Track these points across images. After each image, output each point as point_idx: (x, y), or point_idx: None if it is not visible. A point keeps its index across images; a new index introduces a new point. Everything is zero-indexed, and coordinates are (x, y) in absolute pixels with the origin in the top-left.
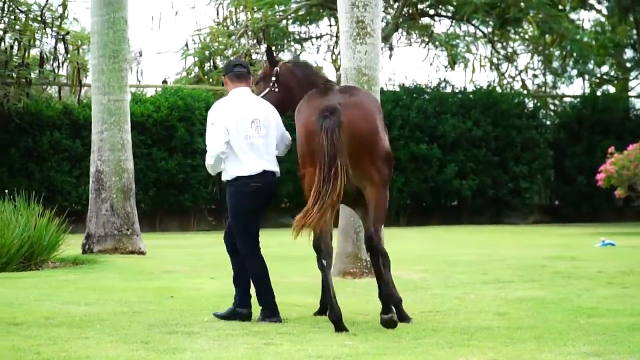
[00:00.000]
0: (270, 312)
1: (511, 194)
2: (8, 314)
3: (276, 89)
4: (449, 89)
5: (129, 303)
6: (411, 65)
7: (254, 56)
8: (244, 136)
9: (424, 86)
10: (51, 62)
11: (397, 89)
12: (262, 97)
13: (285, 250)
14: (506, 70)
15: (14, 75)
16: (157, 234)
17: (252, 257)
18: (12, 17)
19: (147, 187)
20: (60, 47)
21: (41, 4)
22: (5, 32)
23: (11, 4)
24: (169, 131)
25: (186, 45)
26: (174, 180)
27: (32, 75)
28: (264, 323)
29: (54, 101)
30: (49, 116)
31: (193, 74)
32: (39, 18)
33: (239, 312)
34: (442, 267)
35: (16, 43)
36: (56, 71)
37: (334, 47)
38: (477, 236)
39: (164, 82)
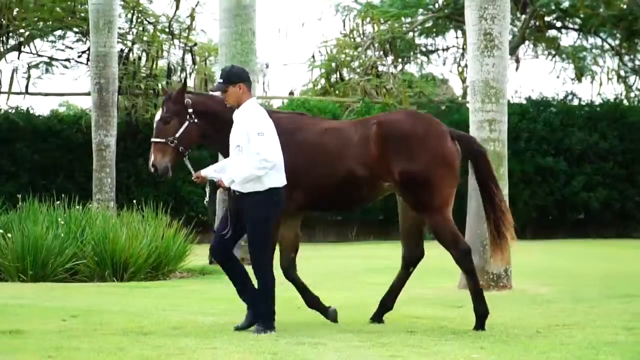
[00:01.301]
0: (271, 324)
1: (638, 207)
2: (137, 324)
3: (195, 121)
4: (575, 102)
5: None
6: (538, 77)
7: (380, 68)
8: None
9: (550, 99)
10: (179, 73)
11: (524, 102)
12: (182, 132)
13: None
14: (634, 83)
15: (142, 86)
16: None
17: (269, 269)
18: (141, 28)
19: None
20: (188, 58)
21: (169, 15)
22: (133, 43)
23: (140, 15)
24: None
25: (313, 56)
26: None
27: (160, 86)
28: (264, 335)
29: None
30: None
31: (320, 86)
32: (167, 30)
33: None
34: (568, 281)
35: (144, 54)
36: (184, 82)
37: (460, 60)
38: (603, 250)
39: (291, 93)
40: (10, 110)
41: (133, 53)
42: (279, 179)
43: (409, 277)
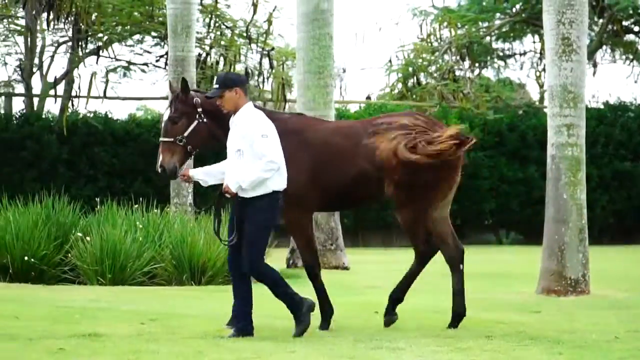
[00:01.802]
0: (306, 317)
1: None
2: (214, 327)
3: (204, 120)
4: None
5: (334, 318)
6: (615, 82)
7: (457, 72)
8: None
9: (628, 103)
10: (256, 77)
11: (601, 106)
12: (191, 131)
13: (488, 267)
14: None
15: None
16: (360, 250)
17: (267, 269)
18: (218, 33)
19: None
20: (265, 62)
21: (247, 20)
22: (211, 47)
23: (217, 20)
24: None
25: (390, 61)
26: None
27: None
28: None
29: None
30: None
31: (396, 90)
32: (245, 34)
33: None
34: None
35: (222, 58)
36: (261, 86)
37: (537, 64)
38: None
39: (368, 98)
40: (88, 115)
41: (211, 57)
42: (281, 182)
43: (423, 268)
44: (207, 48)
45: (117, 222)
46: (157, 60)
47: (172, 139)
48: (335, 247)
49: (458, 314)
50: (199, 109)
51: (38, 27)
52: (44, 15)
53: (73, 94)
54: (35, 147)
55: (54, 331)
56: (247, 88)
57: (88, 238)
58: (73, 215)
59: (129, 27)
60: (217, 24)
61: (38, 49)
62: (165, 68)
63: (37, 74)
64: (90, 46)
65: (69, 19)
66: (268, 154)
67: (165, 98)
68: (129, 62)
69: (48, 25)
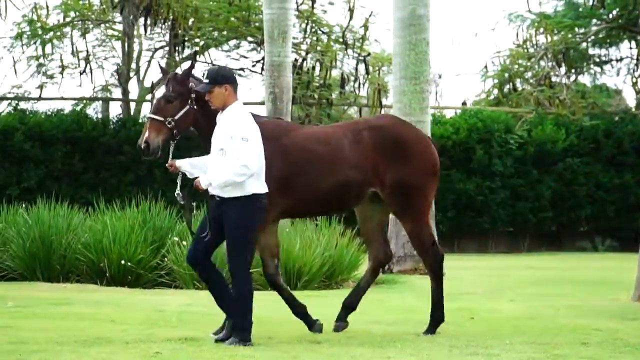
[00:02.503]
0: (247, 336)
1: None
2: (310, 332)
3: (195, 106)
4: None
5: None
6: None
7: (553, 78)
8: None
9: None
10: (352, 83)
11: None
12: (183, 114)
13: (583, 274)
14: None
15: (316, 95)
16: (455, 255)
17: (247, 276)
18: (315, 38)
19: (445, 209)
20: (361, 68)
21: (343, 25)
22: (307, 53)
23: (313, 25)
24: (468, 153)
25: (485, 67)
26: (472, 202)
27: (333, 96)
28: (238, 346)
29: None
30: None
31: (492, 96)
32: (341, 39)
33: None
34: None
35: (318, 64)
36: (356, 92)
37: (634, 70)
38: None
39: (464, 103)
40: None
41: (307, 63)
42: (260, 186)
43: (377, 277)
44: (304, 53)
45: None
46: (253, 66)
47: (163, 119)
48: None
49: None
50: (193, 95)
51: (135, 33)
52: (141, 20)
53: None
54: (132, 151)
55: (150, 335)
56: (237, 86)
57: (184, 242)
58: (169, 220)
59: (225, 32)
60: (313, 30)
61: (135, 54)
62: (261, 73)
63: (134, 78)
64: (187, 51)
65: (166, 24)
66: (243, 158)
67: (262, 103)
68: None
69: (145, 30)
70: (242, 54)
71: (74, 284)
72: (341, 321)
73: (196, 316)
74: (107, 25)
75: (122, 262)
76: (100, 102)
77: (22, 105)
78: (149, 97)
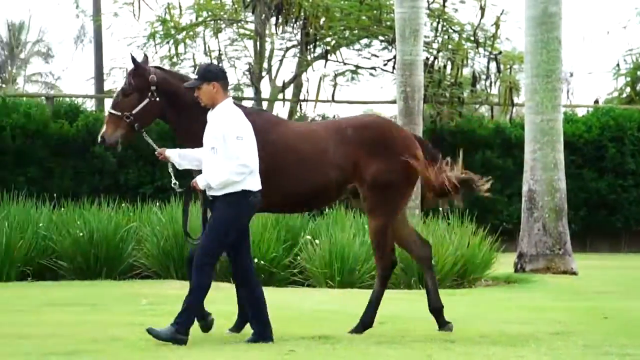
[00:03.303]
0: (186, 330)
1: None
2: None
3: (157, 99)
4: None
5: (562, 323)
6: None
7: None
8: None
9: None
10: (483, 81)
11: None
12: (141, 108)
13: None
14: None
15: (447, 94)
16: (587, 255)
17: (210, 270)
18: (446, 37)
19: (577, 207)
20: (492, 66)
21: (474, 24)
22: (438, 51)
23: (445, 24)
24: (600, 151)
25: (617, 65)
26: (604, 201)
27: (464, 94)
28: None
29: (486, 120)
30: (482, 135)
31: (625, 94)
32: (472, 38)
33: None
34: None
35: (449, 62)
36: (488, 90)
37: None
38: None
39: (596, 102)
40: (317, 118)
41: (438, 61)
42: (254, 183)
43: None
44: (435, 52)
45: (346, 225)
46: (384, 64)
47: (120, 114)
48: (564, 252)
49: (437, 309)
50: (153, 87)
51: (267, 32)
52: (273, 19)
53: (301, 97)
54: None
55: (284, 333)
56: (227, 83)
57: (317, 241)
58: (302, 219)
59: (356, 31)
60: (444, 28)
61: (267, 53)
62: (392, 72)
63: (266, 78)
64: (318, 50)
65: (297, 23)
66: (242, 156)
67: (393, 102)
68: (357, 66)
69: (277, 29)
70: (373, 53)
71: None
72: (356, 331)
73: (329, 314)
74: (239, 24)
75: (256, 260)
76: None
77: None
78: (280, 96)
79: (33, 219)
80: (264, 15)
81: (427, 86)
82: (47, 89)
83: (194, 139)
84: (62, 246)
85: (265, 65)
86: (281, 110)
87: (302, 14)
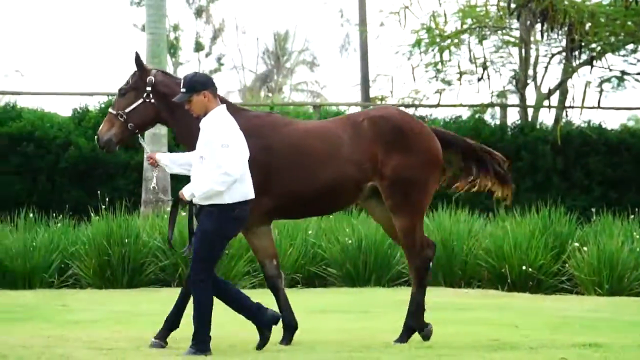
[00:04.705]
0: (205, 347)
1: None
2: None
3: (151, 100)
4: None
5: None
6: None
7: None
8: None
9: None
10: None
11: None
12: (133, 108)
13: None
14: None
15: None
16: None
17: (208, 286)
18: None
19: None
20: None
21: None
22: None
23: None
24: None
25: None
26: None
27: None
28: (195, 356)
29: None
30: None
31: None
32: None
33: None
34: None
35: None
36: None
37: None
38: None
39: None
40: (582, 125)
41: None
42: (242, 193)
43: None
44: None
45: (613, 232)
46: None
47: (115, 112)
48: None
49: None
50: (148, 88)
51: (532, 38)
52: (538, 26)
53: (567, 104)
54: (530, 157)
55: (553, 341)
56: (216, 89)
57: (585, 248)
58: (569, 226)
59: (622, 36)
60: None
61: (532, 60)
62: None
63: (531, 84)
64: (584, 56)
65: (563, 29)
66: (224, 165)
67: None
68: (623, 72)
69: (542, 36)
70: (639, 59)
71: (475, 289)
72: (400, 341)
73: (599, 322)
74: (504, 31)
75: (523, 267)
76: (498, 108)
77: (420, 111)
78: (545, 103)
79: (302, 227)
80: (529, 21)
81: None
82: (312, 97)
83: (194, 142)
84: (330, 253)
85: (530, 72)
86: (547, 116)
87: (567, 20)
